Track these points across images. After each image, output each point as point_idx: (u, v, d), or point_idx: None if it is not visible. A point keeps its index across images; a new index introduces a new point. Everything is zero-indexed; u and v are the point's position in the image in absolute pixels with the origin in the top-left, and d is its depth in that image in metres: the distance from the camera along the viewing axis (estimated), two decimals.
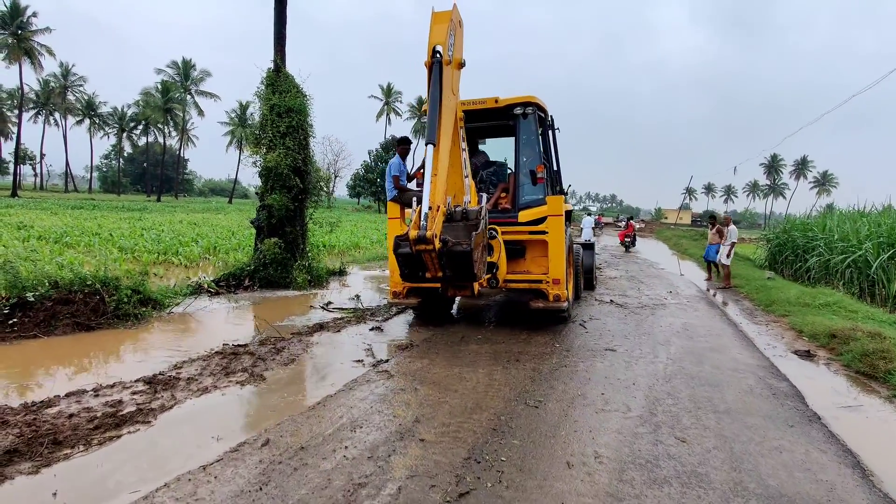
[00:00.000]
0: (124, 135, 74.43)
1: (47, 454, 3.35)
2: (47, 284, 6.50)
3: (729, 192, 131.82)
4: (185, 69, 63.53)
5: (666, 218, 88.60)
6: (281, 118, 10.13)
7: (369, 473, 3.20)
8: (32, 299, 6.25)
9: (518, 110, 7.32)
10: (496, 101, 7.34)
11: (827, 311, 8.72)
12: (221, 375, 4.98)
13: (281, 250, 9.97)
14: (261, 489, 3.01)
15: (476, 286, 6.49)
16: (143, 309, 7.17)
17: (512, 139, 9.29)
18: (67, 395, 4.30)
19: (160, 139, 71.89)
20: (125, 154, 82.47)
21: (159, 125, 64.72)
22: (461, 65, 6.12)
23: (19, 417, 3.80)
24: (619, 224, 45.66)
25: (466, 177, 6.53)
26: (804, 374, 5.80)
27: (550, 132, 8.08)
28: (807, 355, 6.58)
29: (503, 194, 7.62)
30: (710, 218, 14.70)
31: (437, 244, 5.18)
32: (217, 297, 8.96)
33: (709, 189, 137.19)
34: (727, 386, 5.13)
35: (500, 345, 6.41)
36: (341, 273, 12.22)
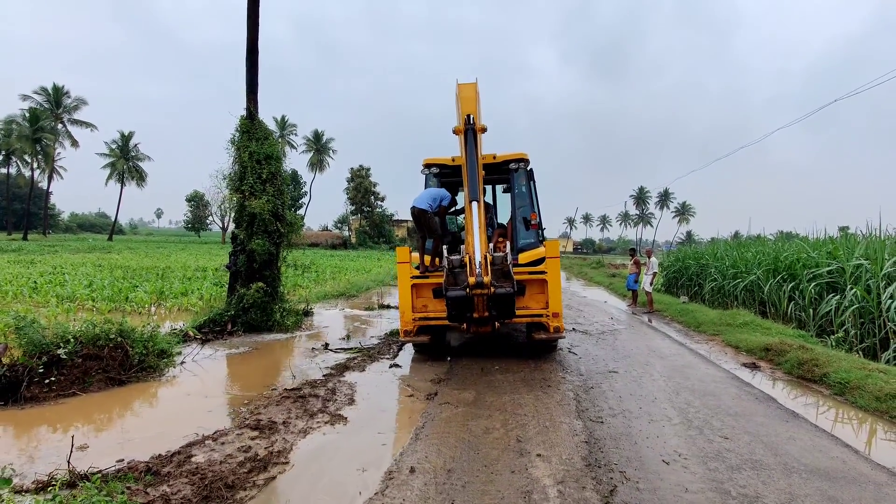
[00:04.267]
0: None
1: (229, 496, 3.69)
2: (72, 340, 6.37)
3: (604, 221, 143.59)
4: (55, 96, 58.32)
5: None
6: (261, 165, 10.40)
7: (524, 483, 3.90)
8: (64, 356, 6.13)
9: (513, 165, 8.37)
10: (494, 157, 8.35)
11: (748, 329, 10.54)
12: (307, 417, 5.36)
13: (265, 294, 10.13)
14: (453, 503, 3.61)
15: (497, 324, 7.34)
16: (164, 360, 7.17)
17: (488, 187, 10.36)
18: (190, 445, 4.52)
19: (23, 171, 64.86)
20: None
21: (26, 156, 58.38)
22: (484, 130, 7.07)
23: (172, 469, 4.03)
24: None
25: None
26: (762, 381, 7.23)
27: (532, 182, 9.21)
28: (753, 367, 8.10)
29: (500, 239, 8.57)
30: (630, 251, 16.67)
31: (493, 289, 6.04)
32: (209, 344, 8.95)
33: (587, 219, 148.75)
34: (720, 394, 6.36)
35: (520, 373, 7.25)
36: (307, 314, 12.41)
